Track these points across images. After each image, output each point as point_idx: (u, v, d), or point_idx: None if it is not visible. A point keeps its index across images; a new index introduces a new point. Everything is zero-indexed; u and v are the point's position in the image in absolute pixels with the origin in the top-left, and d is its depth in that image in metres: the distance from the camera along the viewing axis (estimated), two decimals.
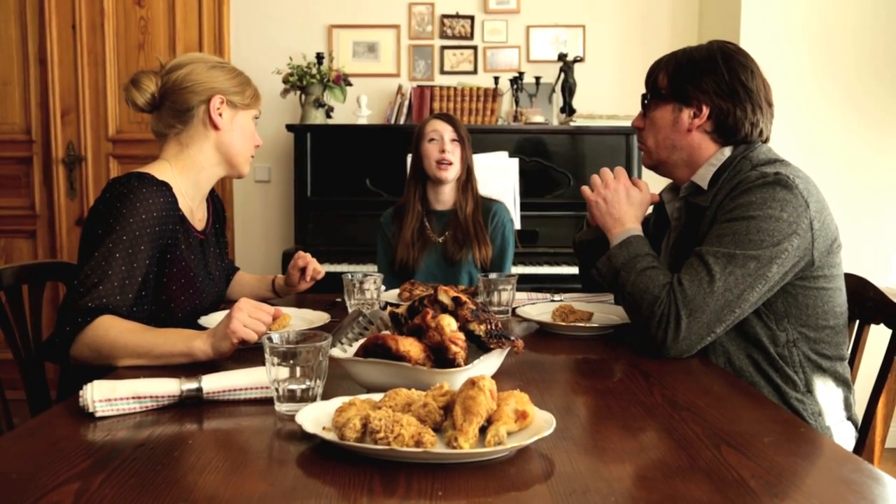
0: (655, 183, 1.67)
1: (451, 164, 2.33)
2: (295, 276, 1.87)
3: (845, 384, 1.50)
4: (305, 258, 1.87)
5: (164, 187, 1.52)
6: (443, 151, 2.32)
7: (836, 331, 1.48)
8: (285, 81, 3.39)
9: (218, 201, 1.85)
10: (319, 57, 3.44)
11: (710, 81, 1.51)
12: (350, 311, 1.71)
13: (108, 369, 1.31)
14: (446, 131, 2.34)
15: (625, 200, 1.58)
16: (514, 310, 1.74)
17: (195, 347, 1.30)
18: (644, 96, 1.62)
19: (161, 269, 1.53)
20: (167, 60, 1.65)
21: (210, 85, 1.61)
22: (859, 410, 1.54)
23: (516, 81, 3.49)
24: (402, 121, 3.52)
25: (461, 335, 1.11)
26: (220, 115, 1.62)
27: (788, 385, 1.44)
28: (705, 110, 1.52)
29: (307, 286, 1.89)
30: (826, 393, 1.46)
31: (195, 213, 1.67)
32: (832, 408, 1.47)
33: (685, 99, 1.54)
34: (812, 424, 1.42)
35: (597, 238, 1.66)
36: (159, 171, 1.57)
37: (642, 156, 1.67)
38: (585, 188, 1.64)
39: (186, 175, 1.63)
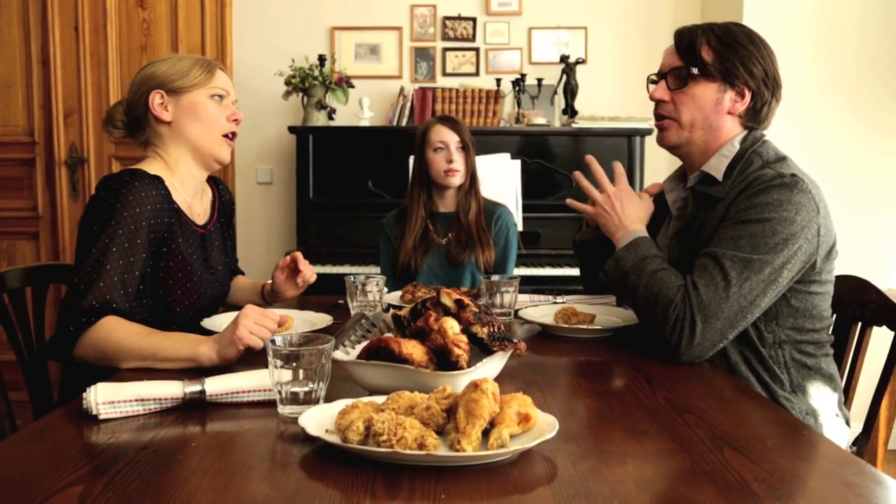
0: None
1: (458, 171, 2.34)
2: (279, 279, 1.76)
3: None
4: (295, 255, 1.74)
5: (157, 180, 1.51)
6: (450, 161, 2.32)
7: (821, 334, 1.48)
8: (287, 83, 3.39)
9: (226, 193, 1.83)
10: (321, 59, 3.44)
11: (759, 67, 1.47)
12: (352, 312, 1.71)
13: (110, 370, 1.31)
14: (452, 141, 2.34)
15: (627, 205, 1.56)
16: (516, 312, 1.74)
17: (200, 353, 1.29)
18: (680, 69, 1.50)
19: (157, 263, 1.52)
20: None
21: (146, 85, 1.58)
22: (861, 414, 1.54)
23: (518, 83, 3.50)
24: (404, 122, 3.52)
25: (464, 338, 1.11)
26: (166, 108, 1.58)
27: (776, 383, 1.43)
28: (748, 95, 1.48)
29: (297, 293, 1.80)
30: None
31: (193, 207, 1.65)
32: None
33: (732, 80, 1.48)
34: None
35: (596, 237, 1.65)
36: (150, 166, 1.58)
37: (664, 133, 1.55)
38: (586, 207, 1.61)
39: (171, 172, 1.61)
